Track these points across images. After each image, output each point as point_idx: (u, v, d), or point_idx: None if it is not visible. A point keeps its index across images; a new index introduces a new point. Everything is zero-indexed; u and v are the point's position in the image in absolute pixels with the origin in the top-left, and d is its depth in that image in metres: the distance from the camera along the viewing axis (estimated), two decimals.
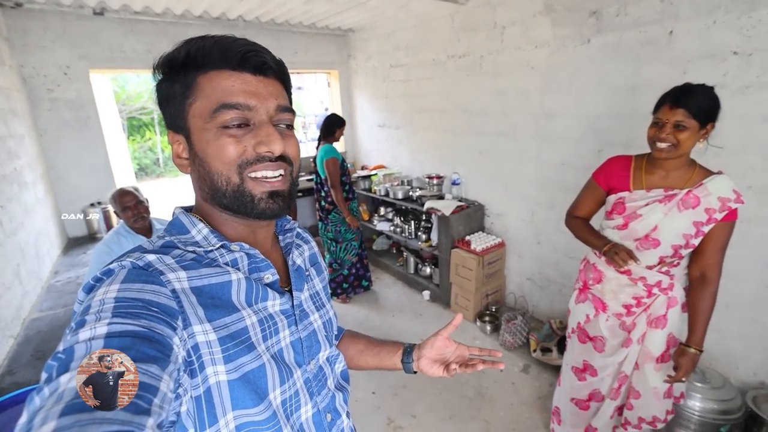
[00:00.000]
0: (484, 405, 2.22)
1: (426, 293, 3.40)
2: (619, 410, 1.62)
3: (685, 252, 1.35)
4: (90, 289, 0.47)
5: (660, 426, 1.55)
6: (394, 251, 4.14)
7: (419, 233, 3.52)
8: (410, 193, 3.49)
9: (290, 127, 0.58)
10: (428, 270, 3.50)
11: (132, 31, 3.11)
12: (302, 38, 4.00)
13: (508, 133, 2.87)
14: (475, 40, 2.92)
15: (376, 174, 3.94)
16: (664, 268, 1.39)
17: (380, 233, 4.16)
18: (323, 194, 3.17)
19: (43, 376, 0.37)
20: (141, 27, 3.13)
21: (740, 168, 1.83)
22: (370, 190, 3.89)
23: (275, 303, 0.58)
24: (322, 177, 3.09)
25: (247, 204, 0.54)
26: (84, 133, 3.12)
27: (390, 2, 2.99)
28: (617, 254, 1.33)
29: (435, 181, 3.36)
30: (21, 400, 1.33)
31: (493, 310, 2.99)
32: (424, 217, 3.56)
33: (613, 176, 1.43)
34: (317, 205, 3.28)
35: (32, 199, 2.64)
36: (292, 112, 0.58)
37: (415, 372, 0.77)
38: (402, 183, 3.75)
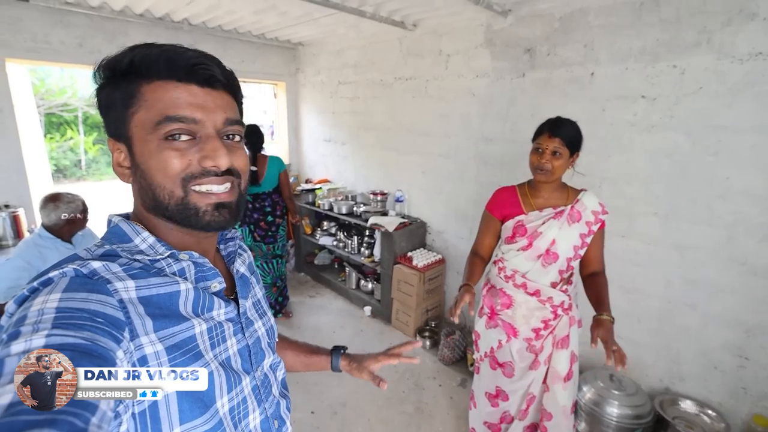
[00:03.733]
0: (423, 421, 2.23)
1: (367, 309, 3.38)
2: (529, 430, 1.69)
3: (574, 263, 1.51)
4: (23, 300, 0.43)
5: None
6: (336, 266, 4.09)
7: (362, 248, 3.51)
8: (354, 209, 3.49)
9: (240, 139, 0.58)
10: (370, 285, 3.50)
11: (61, 22, 2.84)
12: (250, 47, 3.91)
13: (449, 155, 3.00)
14: (422, 65, 3.06)
15: (320, 188, 3.90)
16: (564, 286, 1.53)
17: (323, 247, 4.09)
18: (268, 208, 3.05)
19: None
20: (72, 19, 2.86)
21: (647, 196, 2.08)
22: (314, 203, 3.84)
23: (221, 312, 0.57)
24: (269, 189, 3.01)
25: (192, 217, 0.52)
26: None
27: (341, 21, 3.03)
28: (461, 297, 1.30)
29: (379, 198, 3.41)
30: None
31: (433, 325, 3.05)
32: (367, 233, 3.56)
33: (504, 205, 1.57)
34: (261, 223, 3.06)
35: None
36: (241, 124, 0.58)
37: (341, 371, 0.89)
38: (346, 198, 3.75)
